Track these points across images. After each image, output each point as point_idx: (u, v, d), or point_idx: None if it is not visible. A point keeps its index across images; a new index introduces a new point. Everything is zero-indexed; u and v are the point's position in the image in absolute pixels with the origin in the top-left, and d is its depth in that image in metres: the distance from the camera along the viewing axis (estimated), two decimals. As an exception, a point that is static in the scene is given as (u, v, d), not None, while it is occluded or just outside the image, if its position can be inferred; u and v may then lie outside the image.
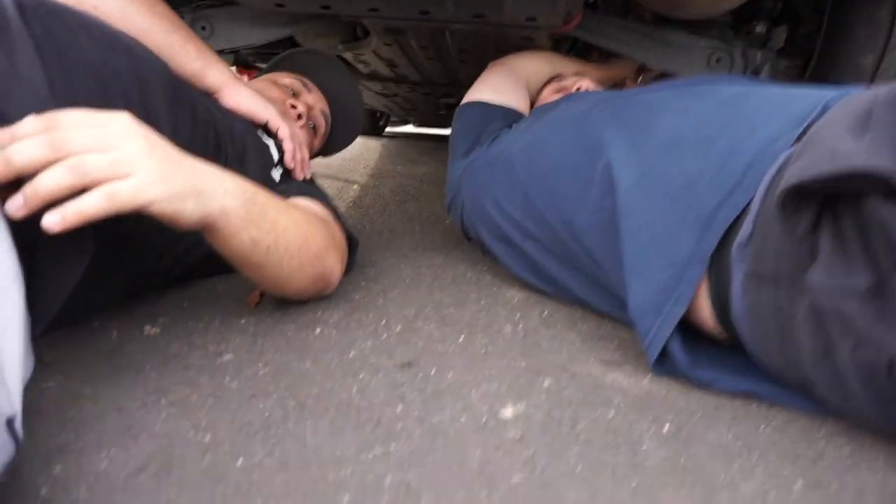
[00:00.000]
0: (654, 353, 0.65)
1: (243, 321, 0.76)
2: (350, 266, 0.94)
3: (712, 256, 0.63)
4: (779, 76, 1.32)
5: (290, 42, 1.69)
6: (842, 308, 0.49)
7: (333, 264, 0.81)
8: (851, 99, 0.52)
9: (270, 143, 0.99)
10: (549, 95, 1.24)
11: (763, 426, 0.60)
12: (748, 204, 0.61)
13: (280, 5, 1.21)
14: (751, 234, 0.59)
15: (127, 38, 0.70)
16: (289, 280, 0.73)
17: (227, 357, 0.66)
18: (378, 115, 3.78)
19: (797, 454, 0.55)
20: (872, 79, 1.14)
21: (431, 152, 2.99)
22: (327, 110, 1.22)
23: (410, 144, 3.39)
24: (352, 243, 0.94)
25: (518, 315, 0.85)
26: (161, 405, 0.56)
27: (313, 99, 1.18)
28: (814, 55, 1.27)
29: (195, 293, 0.85)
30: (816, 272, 0.51)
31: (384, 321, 0.79)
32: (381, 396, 0.60)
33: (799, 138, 0.61)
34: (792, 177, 0.50)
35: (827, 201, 0.52)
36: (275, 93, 1.08)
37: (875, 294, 0.47)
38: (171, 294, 0.84)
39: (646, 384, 0.67)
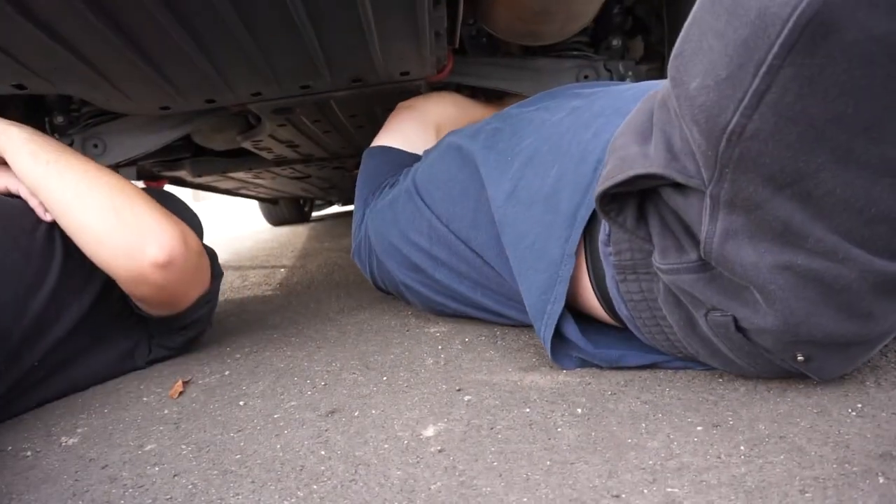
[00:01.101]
0: (548, 349, 0.69)
1: (166, 411, 0.76)
2: (215, 275, 0.96)
3: (590, 252, 0.68)
4: (642, 79, 1.44)
5: (188, 144, 1.73)
6: (682, 284, 0.54)
7: (171, 238, 0.81)
8: (646, 100, 0.60)
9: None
10: None
11: (668, 388, 0.63)
12: None
13: (165, 108, 1.25)
14: (608, 234, 0.64)
15: None
16: (103, 236, 0.78)
17: (150, 447, 0.65)
18: (302, 201, 3.83)
19: (699, 402, 0.59)
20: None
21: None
22: None
23: (338, 222, 3.43)
24: (210, 252, 0.95)
25: (440, 347, 0.87)
26: (80, 506, 0.55)
27: None
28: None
29: (117, 398, 0.84)
30: (656, 256, 0.57)
31: (308, 380, 0.80)
32: (306, 445, 0.61)
33: None
34: (599, 185, 0.57)
35: (646, 194, 0.58)
36: None
37: (703, 266, 0.52)
38: (90, 403, 0.82)
39: (561, 378, 0.70)
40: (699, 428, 0.54)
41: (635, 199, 0.57)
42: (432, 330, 0.97)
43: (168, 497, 0.54)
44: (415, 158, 1.20)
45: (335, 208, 4.56)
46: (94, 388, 0.88)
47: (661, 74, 1.42)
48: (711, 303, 0.54)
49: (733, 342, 0.55)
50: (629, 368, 0.70)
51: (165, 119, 1.38)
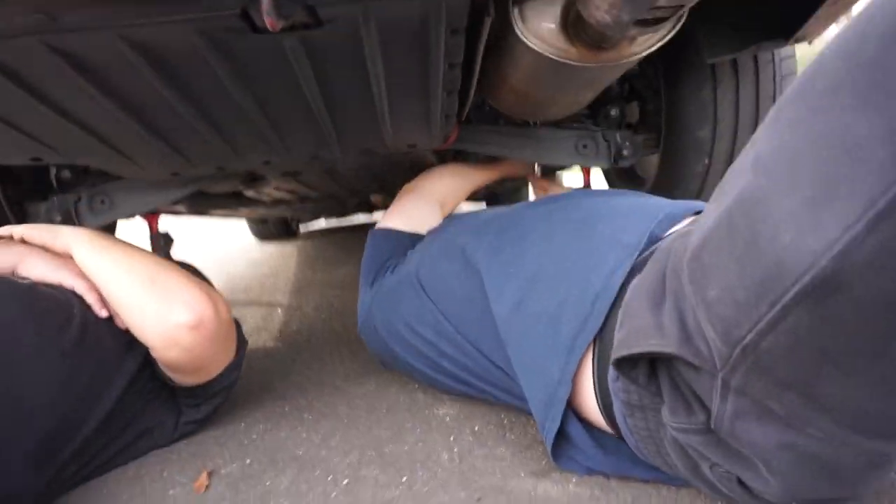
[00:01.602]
0: (552, 458, 0.77)
1: (196, 512, 0.79)
2: (241, 343, 1.03)
3: (598, 377, 0.73)
4: (639, 149, 1.50)
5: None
6: (690, 441, 0.60)
7: (201, 302, 0.88)
8: (656, 260, 0.66)
9: None
10: None
11: (672, 511, 0.69)
12: (602, 331, 0.73)
13: (176, 174, 1.28)
14: (617, 375, 0.70)
15: None
16: (142, 303, 0.87)
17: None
18: (289, 218, 3.84)
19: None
20: (711, 149, 1.32)
21: (349, 248, 3.07)
22: None
23: (327, 243, 3.46)
24: (235, 321, 1.01)
25: (451, 438, 0.92)
26: None
27: None
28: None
29: (142, 489, 0.87)
30: (665, 410, 0.62)
31: (330, 476, 0.84)
32: (340, 568, 0.65)
33: (632, 270, 0.74)
34: (614, 352, 0.63)
35: (658, 358, 0.63)
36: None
37: (711, 430, 0.58)
38: (117, 495, 0.85)
39: (572, 489, 0.76)
40: (704, 565, 0.60)
41: (647, 359, 0.63)
42: (441, 412, 1.02)
43: None
44: (417, 239, 1.25)
45: (322, 223, 4.58)
46: (116, 475, 0.91)
47: (657, 145, 1.48)
48: (717, 460, 0.60)
49: (736, 493, 0.61)
50: (634, 481, 0.76)
51: (174, 179, 1.40)
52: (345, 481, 0.83)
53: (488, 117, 1.54)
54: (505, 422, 0.97)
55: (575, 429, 0.78)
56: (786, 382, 0.49)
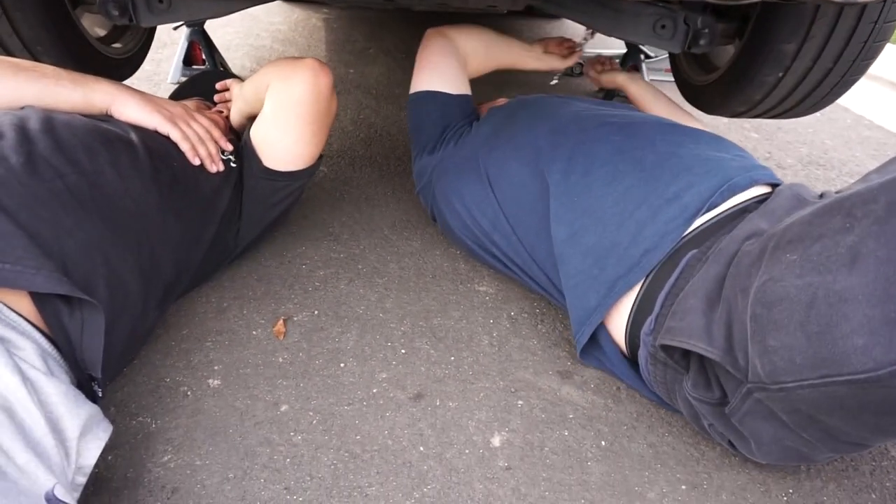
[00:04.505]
0: (580, 355, 0.96)
1: (280, 360, 0.96)
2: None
3: (632, 321, 0.87)
4: (717, 38, 1.44)
5: None
6: (700, 408, 0.76)
7: (320, 63, 1.07)
8: (716, 262, 0.74)
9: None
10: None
11: (667, 434, 0.88)
12: (648, 286, 0.85)
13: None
14: (652, 329, 0.82)
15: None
16: (280, 63, 1.11)
17: (284, 408, 0.88)
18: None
19: (687, 458, 0.85)
20: (791, 64, 1.29)
21: (376, 36, 2.93)
22: None
23: (354, 20, 3.26)
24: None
25: (491, 321, 1.08)
26: (256, 469, 0.79)
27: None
28: (750, 19, 1.39)
29: (229, 326, 1.03)
30: (688, 381, 0.76)
31: (389, 344, 1.01)
32: (406, 436, 0.84)
33: (681, 240, 0.84)
34: (663, 336, 0.76)
35: None
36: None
37: (720, 402, 0.73)
38: (209, 327, 1.02)
39: (590, 395, 0.94)
40: (683, 487, 0.80)
41: None
42: (482, 289, 1.17)
43: (320, 476, 0.78)
44: (464, 101, 1.26)
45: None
46: (205, 305, 1.07)
47: (737, 35, 1.42)
48: (718, 427, 0.76)
49: (724, 444, 0.79)
50: (640, 397, 0.94)
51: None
52: (403, 351, 1.00)
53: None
54: (537, 311, 1.12)
55: (604, 338, 0.93)
56: (803, 412, 0.63)
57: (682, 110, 1.36)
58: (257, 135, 1.10)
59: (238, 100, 1.19)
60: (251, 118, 1.15)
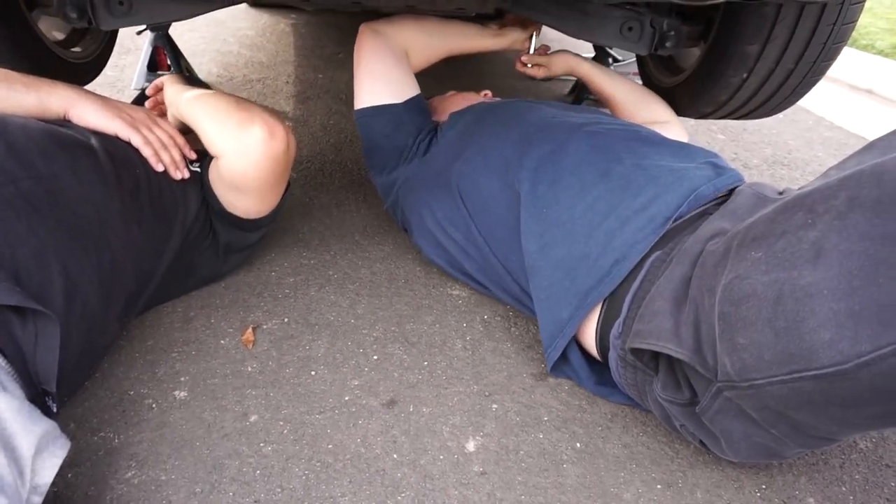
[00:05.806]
0: (550, 370, 0.95)
1: (249, 368, 0.94)
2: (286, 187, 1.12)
3: (601, 326, 0.86)
4: (682, 40, 1.45)
5: None
6: (672, 410, 0.76)
7: (272, 117, 0.98)
8: (681, 262, 0.75)
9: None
10: (460, 102, 1.29)
11: (641, 434, 0.88)
12: (615, 290, 0.84)
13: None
14: (620, 333, 0.82)
15: None
16: (226, 117, 0.98)
17: (253, 418, 0.85)
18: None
19: (661, 456, 0.85)
20: (754, 65, 1.31)
21: (345, 41, 2.91)
22: None
23: (319, 23, 3.24)
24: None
25: (465, 324, 1.07)
26: (224, 482, 0.76)
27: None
28: (715, 22, 1.41)
29: (196, 336, 1.00)
30: (657, 383, 0.76)
31: (361, 350, 0.99)
32: (379, 444, 0.83)
33: (653, 246, 0.84)
34: (631, 340, 0.76)
35: None
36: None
37: (690, 403, 0.73)
38: (174, 339, 0.99)
39: (564, 397, 0.93)
40: (659, 486, 0.80)
41: None
42: (455, 293, 1.16)
43: (291, 487, 0.76)
44: (410, 108, 1.21)
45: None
46: (169, 317, 1.04)
47: (702, 38, 1.44)
48: (689, 427, 0.76)
49: (695, 444, 0.79)
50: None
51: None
52: (375, 357, 0.98)
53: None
54: (511, 314, 1.11)
55: (574, 355, 0.93)
56: (772, 408, 0.63)
57: (641, 88, 1.38)
58: (215, 185, 1.03)
59: (171, 108, 1.09)
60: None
